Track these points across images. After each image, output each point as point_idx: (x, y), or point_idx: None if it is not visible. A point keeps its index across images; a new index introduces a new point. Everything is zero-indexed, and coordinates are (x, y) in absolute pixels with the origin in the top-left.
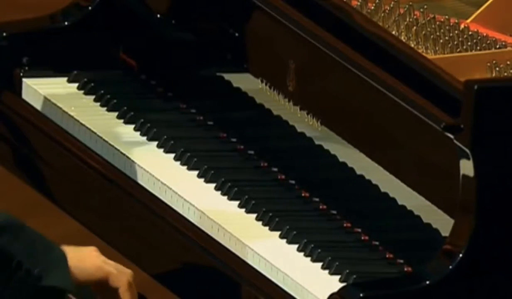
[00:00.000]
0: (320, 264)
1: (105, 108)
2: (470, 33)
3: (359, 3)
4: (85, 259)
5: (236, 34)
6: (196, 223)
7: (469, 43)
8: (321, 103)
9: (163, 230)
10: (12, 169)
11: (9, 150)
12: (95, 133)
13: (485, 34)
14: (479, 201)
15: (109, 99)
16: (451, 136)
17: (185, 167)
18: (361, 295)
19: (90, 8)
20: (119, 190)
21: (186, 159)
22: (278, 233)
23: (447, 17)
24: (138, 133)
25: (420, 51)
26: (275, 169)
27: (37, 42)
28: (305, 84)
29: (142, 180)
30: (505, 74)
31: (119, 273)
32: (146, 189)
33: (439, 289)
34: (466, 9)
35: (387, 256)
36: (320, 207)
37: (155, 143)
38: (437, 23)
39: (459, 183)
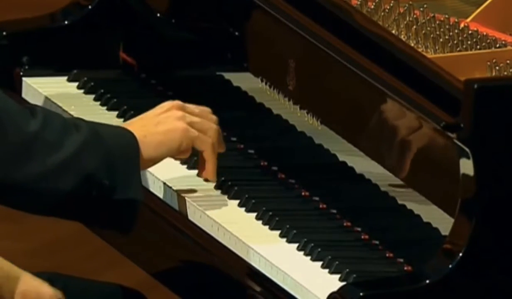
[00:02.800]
0: (320, 263)
1: (105, 107)
2: (470, 32)
3: (359, 2)
4: (169, 132)
5: (236, 33)
6: (196, 222)
7: (469, 42)
8: (321, 102)
9: (163, 229)
10: None
11: None
12: None
13: (485, 33)
14: (479, 200)
15: (109, 98)
16: (451, 135)
17: (185, 166)
18: (361, 294)
19: (90, 7)
20: None
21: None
22: (278, 232)
23: (447, 16)
24: None
25: (420, 50)
26: (275, 168)
27: (37, 41)
28: (305, 83)
29: (141, 179)
30: (505, 73)
31: (204, 137)
32: (145, 188)
33: (439, 288)
34: (466, 8)
35: (387, 255)
36: (320, 206)
37: None
38: (437, 22)
39: (459, 182)
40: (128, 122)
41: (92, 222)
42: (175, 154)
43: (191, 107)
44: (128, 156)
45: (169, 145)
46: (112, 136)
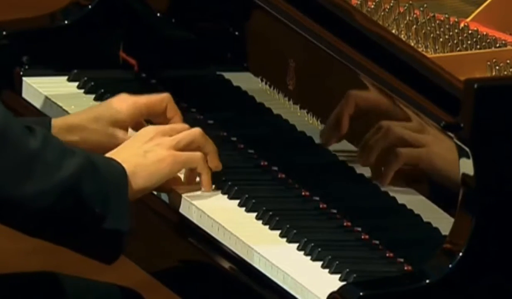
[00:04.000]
0: (320, 263)
1: None
2: (470, 32)
3: (359, 2)
4: (158, 161)
5: (236, 33)
6: (196, 222)
7: (469, 42)
8: (321, 102)
9: (163, 229)
10: None
11: None
12: None
13: (484, 33)
14: (479, 200)
15: (109, 98)
16: (451, 135)
17: None
18: (361, 294)
19: (90, 6)
20: None
21: None
22: (278, 232)
23: (446, 16)
24: None
25: (420, 50)
26: (275, 168)
27: (37, 41)
28: (305, 83)
29: None
30: (505, 73)
31: (192, 156)
32: None
33: (439, 288)
34: (466, 8)
35: (387, 255)
36: (320, 206)
37: None
38: (437, 22)
39: (459, 182)
40: (114, 151)
41: (76, 248)
42: (167, 179)
43: (168, 127)
44: (119, 186)
45: (159, 175)
46: (104, 165)
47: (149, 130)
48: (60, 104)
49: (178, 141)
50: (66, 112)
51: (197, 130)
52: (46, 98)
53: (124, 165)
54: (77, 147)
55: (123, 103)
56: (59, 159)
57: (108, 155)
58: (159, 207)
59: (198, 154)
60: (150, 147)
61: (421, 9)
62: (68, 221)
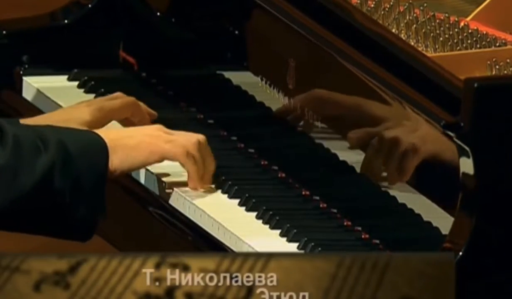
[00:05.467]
0: None
1: None
2: (470, 31)
3: (359, 1)
4: (137, 146)
5: (236, 32)
6: (196, 221)
7: (469, 41)
8: (321, 101)
9: (163, 229)
10: None
11: None
12: None
13: (485, 32)
14: (479, 199)
15: None
16: (451, 134)
17: None
18: None
19: (90, 6)
20: (117, 187)
21: None
22: (278, 231)
23: (447, 15)
24: None
25: (420, 49)
26: (275, 168)
27: (37, 40)
28: (305, 83)
29: (141, 177)
30: (505, 72)
31: (174, 148)
32: (145, 186)
33: None
34: (466, 7)
35: None
36: (320, 205)
37: None
38: (437, 21)
39: (459, 182)
40: (106, 129)
41: (47, 235)
42: (142, 168)
43: (175, 132)
44: (94, 171)
45: (134, 158)
46: (81, 147)
47: (157, 125)
48: (60, 103)
49: (169, 138)
50: None
51: (193, 138)
52: (46, 97)
53: (106, 140)
54: (51, 129)
55: (87, 109)
56: (29, 163)
57: (99, 131)
58: (159, 206)
59: (179, 149)
60: (140, 134)
61: (421, 8)
62: (39, 215)
